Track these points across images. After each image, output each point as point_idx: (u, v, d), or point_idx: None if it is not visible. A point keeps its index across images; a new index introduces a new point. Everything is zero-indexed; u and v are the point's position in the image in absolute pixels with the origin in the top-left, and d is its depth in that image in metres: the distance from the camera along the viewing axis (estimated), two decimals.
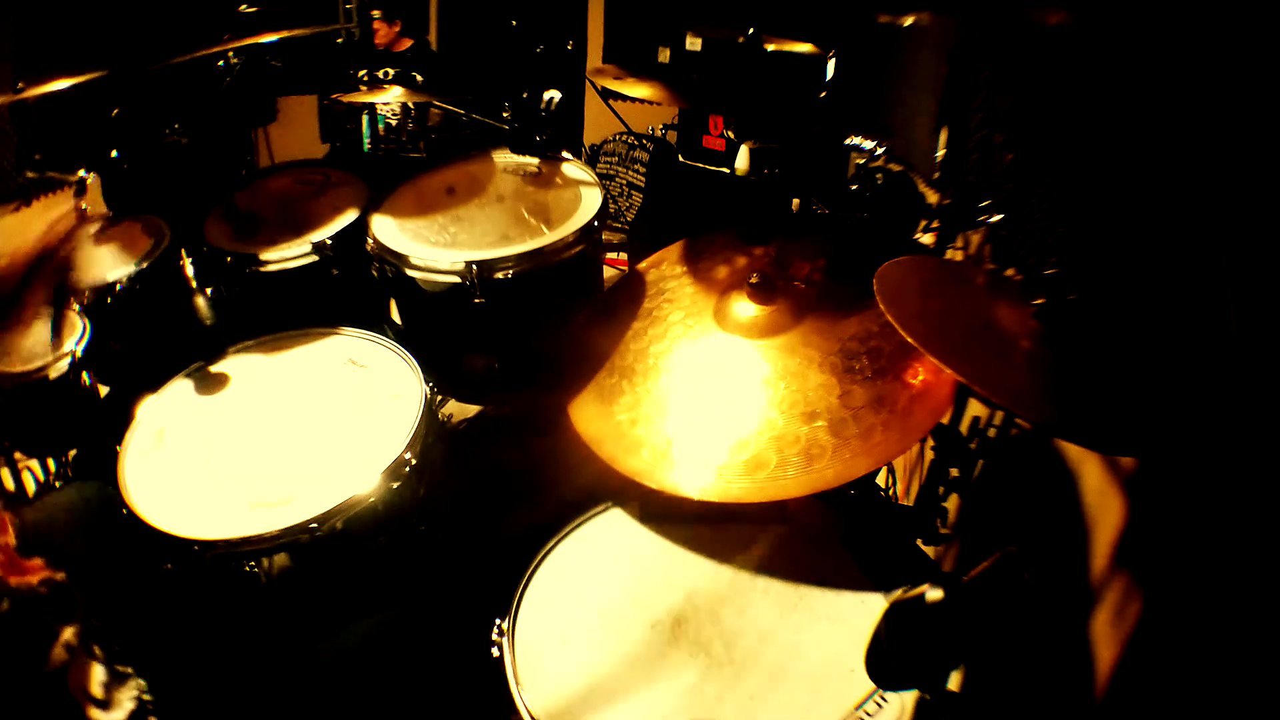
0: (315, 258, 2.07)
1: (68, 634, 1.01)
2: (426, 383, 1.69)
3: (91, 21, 3.13)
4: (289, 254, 2.06)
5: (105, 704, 1.03)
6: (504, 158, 2.28)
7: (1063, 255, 1.60)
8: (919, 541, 1.61)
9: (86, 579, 1.11)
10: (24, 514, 1.40)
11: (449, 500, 1.81)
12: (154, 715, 1.10)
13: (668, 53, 3.38)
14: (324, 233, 2.09)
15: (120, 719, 1.03)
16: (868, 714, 1.13)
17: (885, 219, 2.09)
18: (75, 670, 1.00)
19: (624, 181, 3.79)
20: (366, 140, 3.49)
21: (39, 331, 1.93)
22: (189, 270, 1.93)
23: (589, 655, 1.26)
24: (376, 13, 3.47)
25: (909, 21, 1.76)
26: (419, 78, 3.46)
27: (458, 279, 1.86)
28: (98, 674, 1.04)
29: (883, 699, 1.14)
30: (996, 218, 1.75)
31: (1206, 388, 1.21)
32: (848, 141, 2.21)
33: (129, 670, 1.09)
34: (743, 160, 2.51)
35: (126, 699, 1.06)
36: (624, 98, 2.29)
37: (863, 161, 2.17)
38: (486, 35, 3.98)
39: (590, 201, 2.04)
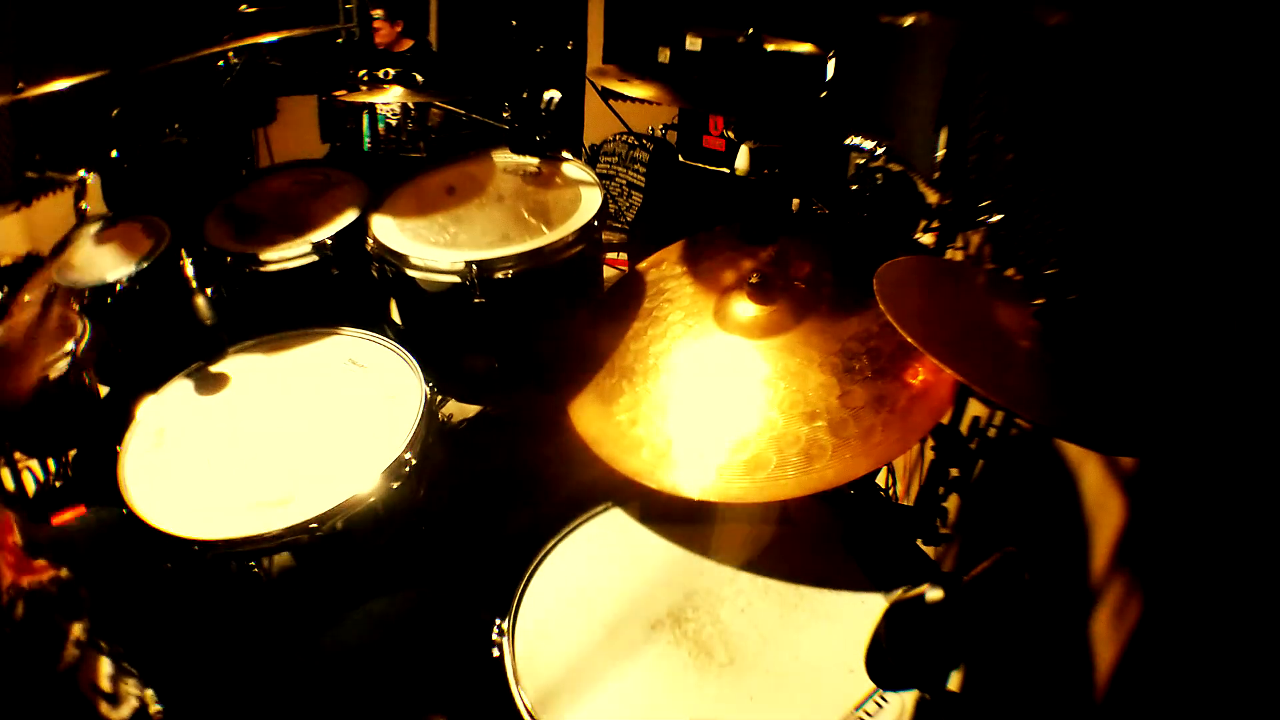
0: (315, 258, 2.06)
1: (77, 630, 1.01)
2: (426, 383, 1.69)
3: (91, 21, 3.13)
4: (289, 254, 2.05)
5: (114, 699, 1.03)
6: (504, 158, 2.28)
7: (1063, 255, 1.60)
8: (919, 541, 1.61)
9: (94, 582, 1.11)
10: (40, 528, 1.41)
11: (449, 500, 1.81)
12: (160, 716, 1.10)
13: (668, 53, 3.38)
14: (324, 233, 2.09)
15: (126, 714, 1.03)
16: (868, 714, 1.13)
17: (885, 219, 2.09)
18: (85, 666, 1.00)
19: (624, 181, 3.79)
20: (366, 140, 3.49)
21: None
22: (189, 270, 1.93)
23: (589, 655, 1.26)
24: (378, 12, 3.47)
25: (909, 22, 1.76)
26: (419, 78, 3.46)
27: (458, 279, 1.86)
28: (105, 668, 1.04)
29: (883, 699, 1.14)
30: (996, 218, 1.74)
31: (1206, 388, 1.21)
32: (848, 141, 2.21)
33: (134, 671, 1.09)
34: (743, 160, 2.50)
35: (132, 694, 1.06)
36: (624, 98, 2.30)
37: (863, 161, 2.17)
38: (486, 35, 3.98)
39: (590, 201, 2.04)
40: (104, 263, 2.08)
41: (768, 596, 1.33)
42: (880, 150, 2.08)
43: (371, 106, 3.41)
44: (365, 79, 3.50)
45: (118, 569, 1.44)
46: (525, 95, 3.27)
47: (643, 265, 1.85)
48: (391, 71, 3.50)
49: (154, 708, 1.08)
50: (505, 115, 2.31)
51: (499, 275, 1.87)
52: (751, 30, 2.25)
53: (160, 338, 2.04)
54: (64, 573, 1.05)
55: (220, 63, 2.80)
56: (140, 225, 2.20)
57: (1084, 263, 1.53)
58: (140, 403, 1.69)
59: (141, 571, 1.46)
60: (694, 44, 3.21)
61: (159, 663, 1.16)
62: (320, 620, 1.49)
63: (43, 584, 1.01)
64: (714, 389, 1.46)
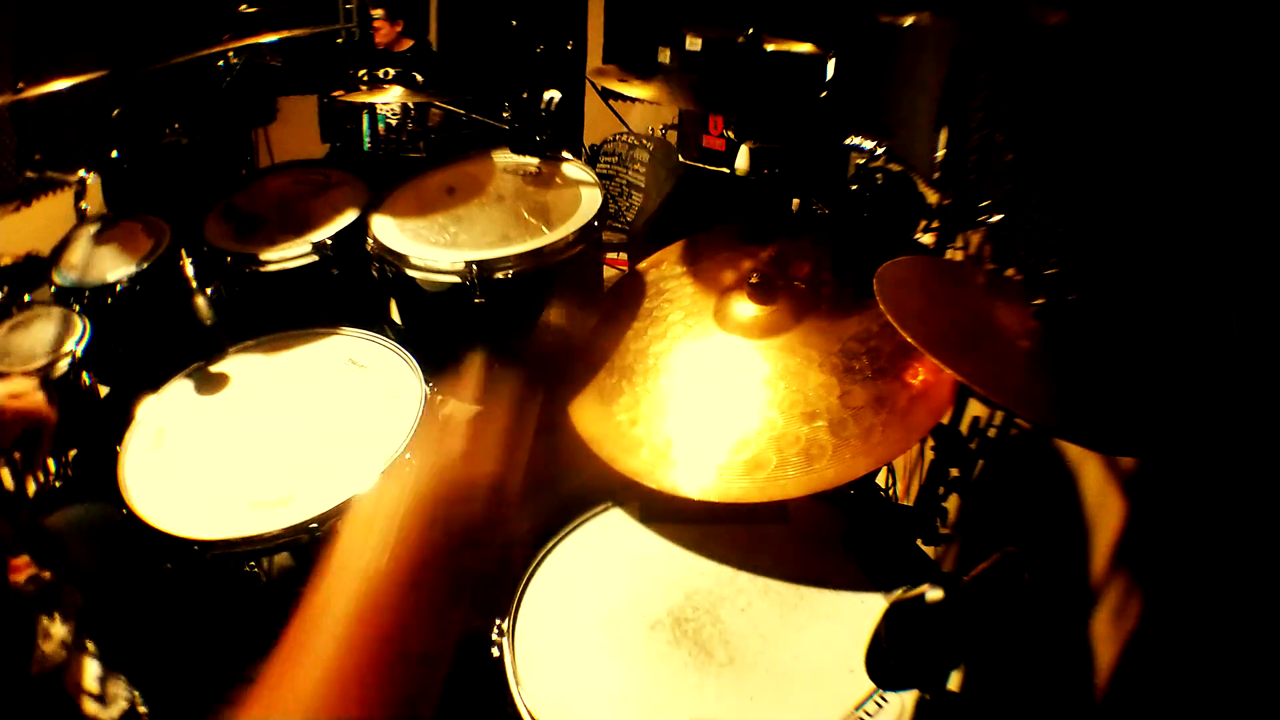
0: (315, 258, 2.06)
1: (64, 632, 1.00)
2: (426, 383, 1.69)
3: (91, 21, 3.13)
4: (289, 254, 2.06)
5: (102, 699, 1.02)
6: (504, 158, 2.28)
7: (1063, 255, 1.60)
8: (919, 541, 1.61)
9: (95, 588, 1.10)
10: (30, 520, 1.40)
11: None
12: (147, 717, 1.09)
13: (668, 53, 3.38)
14: (324, 233, 2.09)
15: (115, 715, 1.03)
16: (868, 714, 1.13)
17: (885, 219, 2.09)
18: (72, 667, 1.00)
19: (624, 181, 3.79)
20: (366, 140, 3.49)
21: (38, 332, 1.93)
22: (189, 270, 1.93)
23: (589, 656, 1.26)
24: (378, 12, 3.47)
25: (909, 22, 1.76)
26: (419, 78, 3.46)
27: (458, 279, 1.86)
28: (93, 669, 1.04)
29: (883, 699, 1.14)
30: (996, 218, 1.74)
31: (1206, 388, 1.21)
32: (848, 141, 2.21)
33: (121, 675, 1.09)
34: (743, 160, 2.51)
35: (120, 695, 1.05)
36: (624, 98, 2.29)
37: (863, 161, 2.17)
38: (486, 35, 3.98)
39: (590, 201, 2.04)
40: (104, 263, 2.08)
41: (768, 596, 1.33)
42: (880, 150, 2.08)
43: (371, 106, 3.42)
44: (365, 79, 3.50)
45: (115, 570, 1.43)
46: (525, 95, 3.27)
47: (643, 265, 1.85)
48: (391, 71, 3.50)
49: (141, 709, 1.07)
50: (505, 115, 2.31)
51: (499, 275, 1.87)
52: (751, 30, 2.25)
53: (160, 338, 2.04)
54: (46, 574, 1.04)
55: (220, 63, 2.80)
56: (140, 225, 2.20)
57: (1084, 263, 1.53)
58: (140, 403, 1.69)
59: (140, 572, 1.46)
60: (694, 44, 3.21)
61: (151, 666, 1.15)
62: None
63: (18, 584, 1.00)
64: (714, 389, 1.46)
